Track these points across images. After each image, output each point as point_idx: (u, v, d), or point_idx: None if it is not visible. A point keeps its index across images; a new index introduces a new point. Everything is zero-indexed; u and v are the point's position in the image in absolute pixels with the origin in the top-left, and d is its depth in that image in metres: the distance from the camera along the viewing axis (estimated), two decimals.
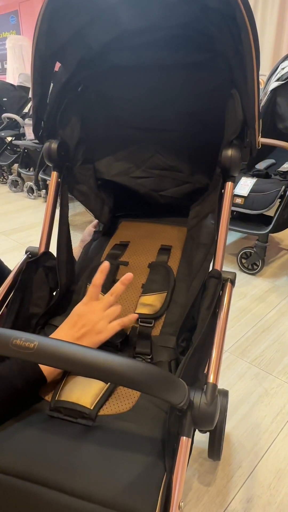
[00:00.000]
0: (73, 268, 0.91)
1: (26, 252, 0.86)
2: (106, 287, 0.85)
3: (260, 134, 0.77)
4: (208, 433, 1.01)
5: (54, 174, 0.90)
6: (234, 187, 0.82)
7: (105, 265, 0.73)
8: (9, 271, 1.00)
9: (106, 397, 0.63)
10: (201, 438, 1.07)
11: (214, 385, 0.58)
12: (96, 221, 1.09)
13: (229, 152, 0.78)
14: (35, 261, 0.84)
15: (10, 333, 0.46)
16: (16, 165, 3.83)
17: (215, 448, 1.00)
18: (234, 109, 0.79)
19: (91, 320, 0.70)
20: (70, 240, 0.91)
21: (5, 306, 0.77)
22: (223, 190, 0.82)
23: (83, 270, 0.94)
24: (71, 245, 0.92)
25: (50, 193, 0.89)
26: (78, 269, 0.95)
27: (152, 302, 0.82)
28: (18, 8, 6.85)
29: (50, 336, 0.70)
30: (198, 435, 1.04)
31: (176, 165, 0.97)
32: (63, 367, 0.45)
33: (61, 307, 0.86)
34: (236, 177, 0.84)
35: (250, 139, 0.78)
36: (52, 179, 0.90)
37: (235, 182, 0.83)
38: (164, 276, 0.88)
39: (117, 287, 0.73)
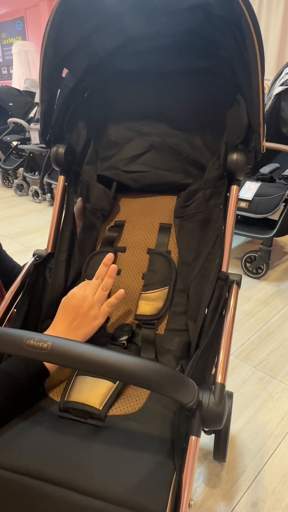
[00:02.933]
0: (71, 269, 0.89)
1: (33, 255, 0.87)
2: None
3: (264, 138, 0.78)
4: (213, 435, 1.01)
5: (61, 178, 0.91)
6: (238, 191, 0.83)
7: (110, 257, 0.75)
8: (10, 260, 1.00)
9: (114, 397, 0.64)
10: (206, 440, 1.07)
11: (222, 385, 0.59)
12: None
13: (234, 156, 0.79)
14: (42, 263, 0.85)
15: (23, 333, 0.47)
16: (21, 169, 3.86)
17: (220, 449, 1.00)
18: (239, 114, 0.80)
19: (84, 307, 0.71)
20: (74, 242, 0.90)
21: (14, 309, 0.78)
22: (228, 194, 0.83)
23: (81, 263, 0.90)
24: (74, 246, 0.91)
25: (57, 196, 0.91)
26: (76, 259, 0.90)
27: (154, 299, 0.82)
28: (24, 15, 6.93)
29: (46, 331, 0.71)
30: (203, 437, 1.04)
31: (172, 165, 0.93)
32: (76, 367, 0.46)
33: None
34: (241, 181, 0.84)
35: (255, 143, 0.78)
36: (59, 182, 0.91)
37: (240, 186, 0.84)
38: (165, 268, 0.85)
39: (103, 273, 0.75)
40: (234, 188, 0.82)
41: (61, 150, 0.88)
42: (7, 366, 0.62)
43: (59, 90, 0.87)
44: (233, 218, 0.80)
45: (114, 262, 0.88)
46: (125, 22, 0.79)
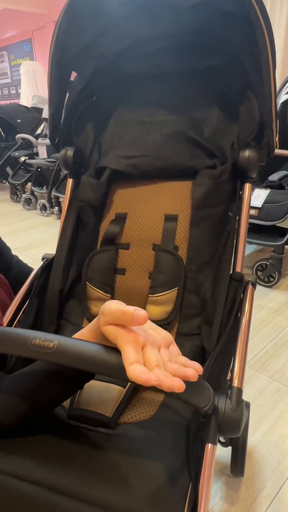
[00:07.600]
0: (70, 270, 0.86)
1: (42, 259, 0.86)
2: (108, 284, 0.82)
3: (277, 134, 0.76)
4: (229, 448, 0.96)
5: (70, 181, 0.90)
6: (252, 189, 0.81)
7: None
8: (24, 265, 0.98)
9: (125, 403, 0.61)
10: (223, 453, 1.02)
11: (239, 390, 0.55)
12: None
13: (247, 153, 0.77)
14: (48, 265, 0.84)
15: (29, 333, 0.45)
16: (29, 184, 3.90)
17: (238, 463, 0.94)
18: (250, 110, 0.78)
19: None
20: (75, 244, 0.88)
21: (22, 313, 0.76)
22: (241, 192, 0.80)
23: (80, 264, 0.86)
24: (74, 249, 0.88)
25: (66, 199, 0.89)
26: (74, 261, 0.87)
27: (162, 302, 0.78)
28: (32, 36, 7.13)
29: None
30: (219, 450, 0.99)
31: (176, 148, 0.86)
32: (83, 367, 0.43)
33: (63, 313, 0.84)
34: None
35: (268, 139, 0.77)
36: (68, 186, 0.90)
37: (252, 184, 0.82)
38: (173, 267, 0.79)
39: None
40: (247, 186, 0.80)
41: (70, 152, 0.87)
42: (31, 368, 0.57)
43: (67, 94, 0.87)
44: (247, 216, 0.78)
45: (116, 261, 0.84)
46: (132, 24, 0.78)
